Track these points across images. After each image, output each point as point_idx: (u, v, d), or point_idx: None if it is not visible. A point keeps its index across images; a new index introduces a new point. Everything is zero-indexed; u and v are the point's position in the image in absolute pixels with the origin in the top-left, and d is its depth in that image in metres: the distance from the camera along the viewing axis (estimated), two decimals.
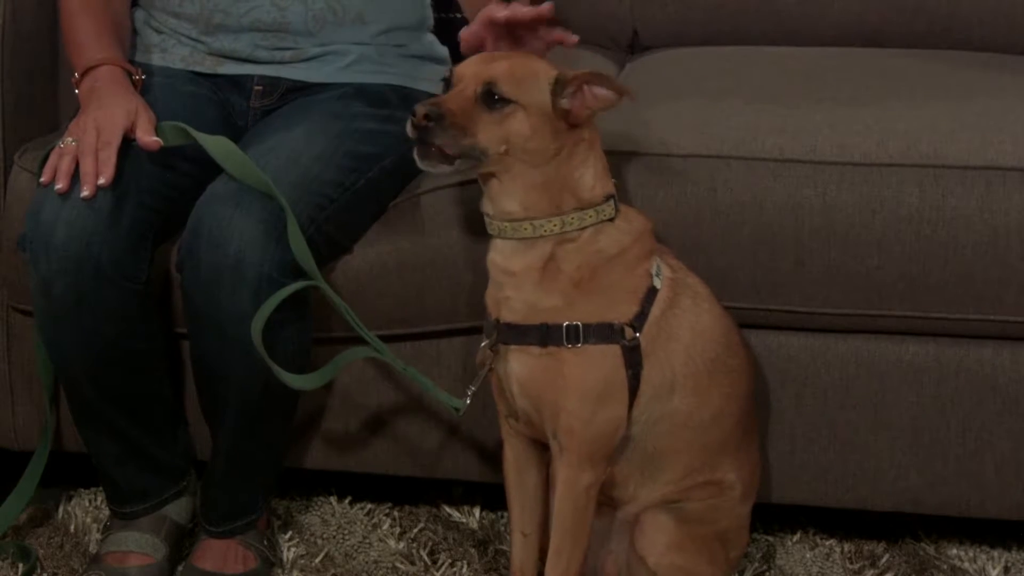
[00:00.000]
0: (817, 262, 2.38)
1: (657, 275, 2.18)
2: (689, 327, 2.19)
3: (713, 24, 3.07)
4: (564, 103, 2.10)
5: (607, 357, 2.14)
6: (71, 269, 2.25)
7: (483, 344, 2.20)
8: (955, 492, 2.46)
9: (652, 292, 2.17)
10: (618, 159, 2.43)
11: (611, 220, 2.15)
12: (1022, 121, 2.46)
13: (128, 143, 2.27)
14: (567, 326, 2.13)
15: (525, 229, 2.13)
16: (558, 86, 2.09)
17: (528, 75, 2.10)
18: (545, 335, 2.14)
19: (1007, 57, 2.92)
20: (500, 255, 2.16)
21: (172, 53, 2.53)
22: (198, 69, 2.51)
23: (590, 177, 2.14)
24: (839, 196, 2.37)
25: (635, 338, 2.15)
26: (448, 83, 2.14)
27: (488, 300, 2.20)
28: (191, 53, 2.52)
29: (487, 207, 2.15)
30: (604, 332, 2.14)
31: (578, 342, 2.13)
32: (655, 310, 2.16)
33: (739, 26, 3.06)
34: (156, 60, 2.52)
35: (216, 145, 2.29)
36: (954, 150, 2.38)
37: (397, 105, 2.49)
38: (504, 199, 2.13)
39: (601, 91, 2.11)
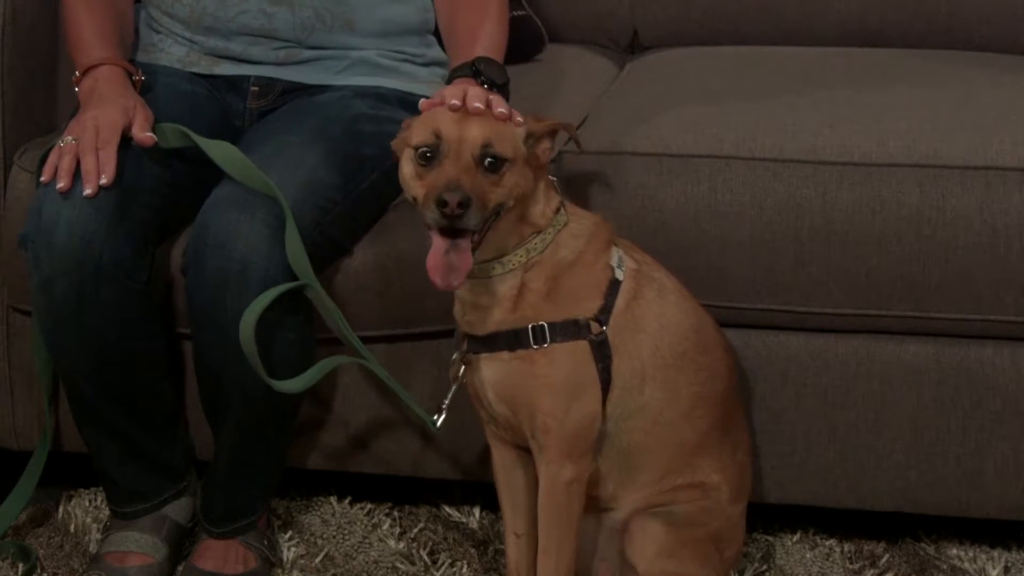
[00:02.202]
0: (817, 262, 2.38)
1: (619, 267, 2.18)
2: (655, 318, 2.19)
3: (713, 24, 3.07)
4: (531, 147, 2.13)
5: (575, 353, 2.14)
6: (72, 268, 2.25)
7: (454, 356, 2.21)
8: (955, 492, 2.46)
9: (615, 284, 2.17)
10: (618, 159, 2.43)
11: (564, 226, 2.17)
12: (1022, 121, 2.46)
13: (129, 142, 2.27)
14: (533, 328, 2.14)
15: (494, 269, 2.14)
16: (528, 137, 2.12)
17: (508, 131, 2.11)
18: (513, 340, 2.14)
19: (1007, 57, 2.92)
20: (470, 293, 2.16)
21: (170, 53, 2.53)
22: (194, 69, 2.51)
23: (541, 201, 2.16)
24: (839, 196, 2.37)
25: (602, 332, 2.15)
26: (432, 151, 2.08)
27: (456, 316, 2.21)
28: (187, 53, 2.52)
29: None
30: (570, 329, 2.14)
31: (545, 342, 2.14)
32: (619, 302, 2.17)
33: (739, 26, 3.06)
34: (154, 59, 2.52)
35: (217, 148, 2.29)
36: (954, 150, 2.38)
37: (397, 106, 2.49)
38: (483, 253, 2.12)
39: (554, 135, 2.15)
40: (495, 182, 2.08)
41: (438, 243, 2.07)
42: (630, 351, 2.17)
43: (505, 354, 2.16)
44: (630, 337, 2.17)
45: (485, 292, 2.15)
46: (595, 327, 2.15)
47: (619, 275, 2.18)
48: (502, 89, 2.29)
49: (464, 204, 2.03)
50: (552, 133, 2.15)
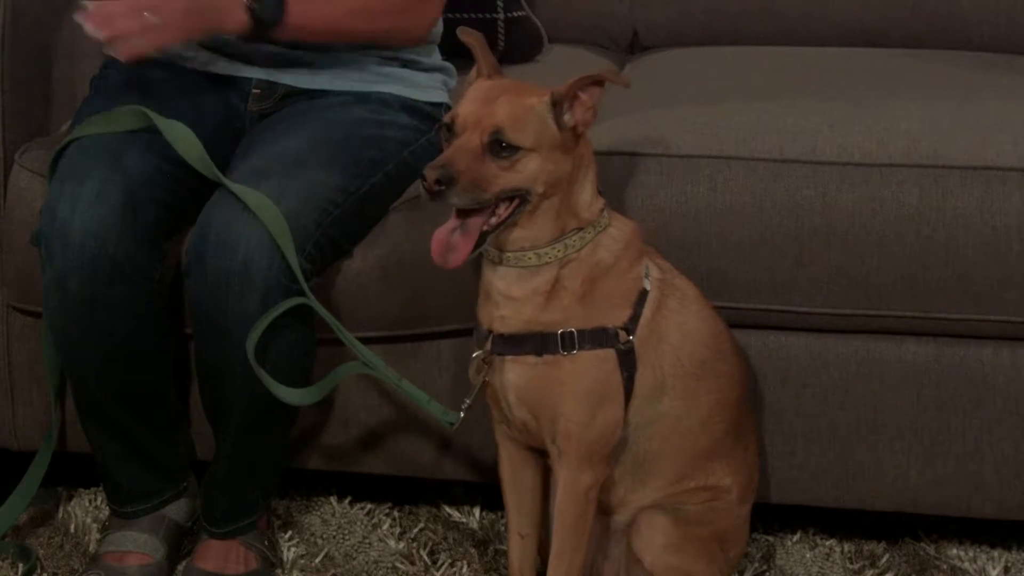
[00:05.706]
0: (817, 262, 2.38)
1: (646, 277, 2.18)
2: (677, 328, 2.19)
3: (713, 24, 3.07)
4: (568, 120, 2.08)
5: (603, 361, 2.14)
6: (87, 265, 2.26)
7: (475, 355, 2.19)
8: (955, 492, 2.46)
9: (643, 295, 2.17)
10: (618, 159, 2.43)
11: (605, 229, 2.16)
12: (1022, 121, 2.46)
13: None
14: (563, 333, 2.13)
15: (529, 259, 2.13)
16: (556, 109, 2.07)
17: (529, 114, 2.07)
18: (541, 345, 2.13)
19: (1007, 57, 2.93)
20: (502, 281, 2.15)
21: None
22: (192, 65, 2.51)
23: (588, 195, 2.14)
24: (839, 196, 2.37)
25: (629, 341, 2.15)
26: (450, 129, 2.08)
27: (480, 313, 2.20)
28: (185, 47, 2.52)
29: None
30: (599, 337, 2.14)
31: (574, 349, 2.13)
32: (646, 312, 2.16)
33: (739, 26, 3.06)
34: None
35: (175, 130, 2.29)
36: (954, 150, 2.38)
37: (399, 111, 2.48)
38: (518, 240, 2.12)
39: (592, 89, 2.08)
40: (506, 167, 2.05)
41: (451, 221, 2.07)
42: (653, 361, 2.16)
43: (531, 358, 2.14)
44: (654, 347, 2.16)
45: (517, 280, 2.14)
46: (623, 336, 2.15)
47: (646, 285, 2.17)
48: (268, 27, 2.30)
49: (442, 181, 2.01)
50: (585, 90, 2.08)
